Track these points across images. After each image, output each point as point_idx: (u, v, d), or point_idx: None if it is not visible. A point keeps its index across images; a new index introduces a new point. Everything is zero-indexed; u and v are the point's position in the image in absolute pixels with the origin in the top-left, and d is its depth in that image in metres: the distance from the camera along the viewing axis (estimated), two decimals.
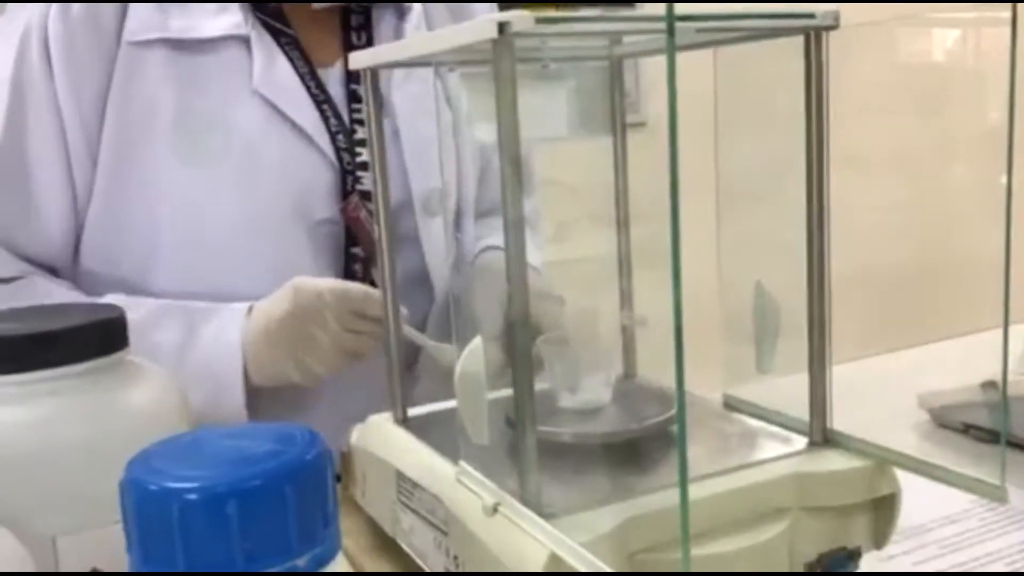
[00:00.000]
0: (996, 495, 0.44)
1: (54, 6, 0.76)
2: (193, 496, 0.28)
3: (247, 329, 0.74)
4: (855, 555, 0.49)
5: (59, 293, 0.77)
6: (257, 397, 0.75)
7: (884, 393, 0.77)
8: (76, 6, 0.76)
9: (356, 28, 0.84)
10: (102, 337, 0.42)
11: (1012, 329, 0.43)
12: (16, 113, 0.76)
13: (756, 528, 0.47)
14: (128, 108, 0.76)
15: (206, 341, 0.74)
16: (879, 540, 0.50)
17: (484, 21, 0.41)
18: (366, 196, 0.78)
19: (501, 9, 0.93)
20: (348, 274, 0.80)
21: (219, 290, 0.76)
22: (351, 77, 0.82)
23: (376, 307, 0.71)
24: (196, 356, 0.74)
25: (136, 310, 0.68)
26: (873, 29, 0.47)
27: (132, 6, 0.77)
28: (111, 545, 0.39)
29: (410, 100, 0.81)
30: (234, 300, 0.75)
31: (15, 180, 0.77)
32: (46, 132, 0.76)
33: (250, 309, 0.75)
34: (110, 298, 0.76)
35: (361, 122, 0.81)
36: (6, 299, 0.75)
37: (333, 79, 0.82)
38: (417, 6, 0.85)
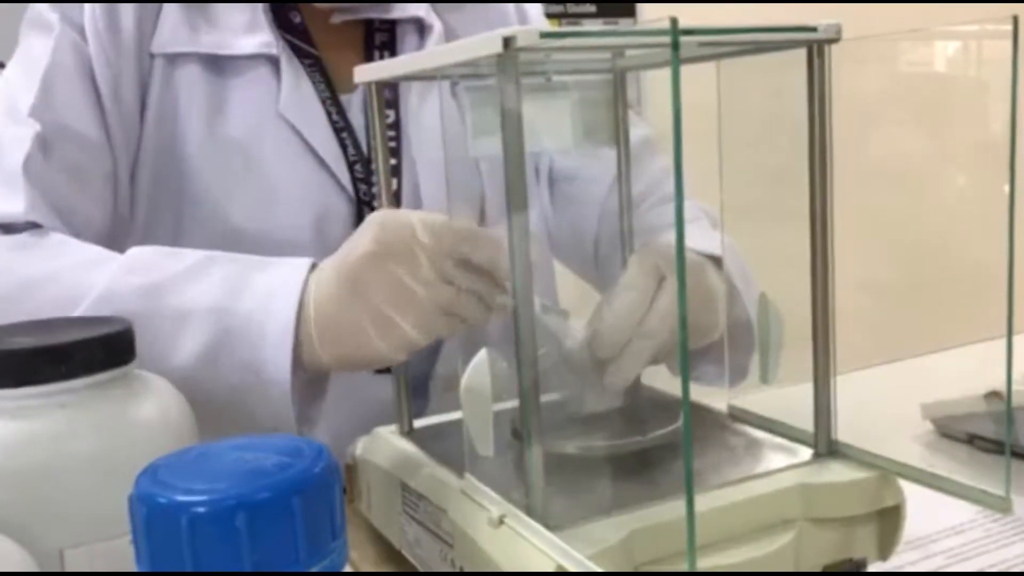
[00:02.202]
0: (1000, 506, 0.44)
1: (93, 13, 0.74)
2: (202, 509, 0.28)
3: (313, 281, 0.59)
4: (860, 566, 0.49)
5: (73, 248, 0.66)
6: (310, 396, 0.62)
7: (888, 403, 0.77)
8: (99, 10, 0.73)
9: (379, 46, 0.82)
10: (110, 350, 0.43)
11: (1016, 339, 0.43)
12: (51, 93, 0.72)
13: (761, 540, 0.47)
14: (161, 125, 0.75)
15: (255, 292, 0.59)
16: (884, 551, 0.50)
17: (489, 36, 0.41)
18: None
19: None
20: None
21: None
22: None
23: (486, 252, 0.56)
24: (238, 312, 0.59)
25: (180, 260, 0.61)
26: (876, 42, 0.47)
27: (162, 19, 0.75)
28: (119, 558, 0.40)
29: (427, 127, 0.79)
30: None
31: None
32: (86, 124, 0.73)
33: (313, 266, 0.60)
34: (150, 248, 0.64)
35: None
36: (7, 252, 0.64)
37: (355, 106, 0.80)
38: (438, 24, 0.83)
